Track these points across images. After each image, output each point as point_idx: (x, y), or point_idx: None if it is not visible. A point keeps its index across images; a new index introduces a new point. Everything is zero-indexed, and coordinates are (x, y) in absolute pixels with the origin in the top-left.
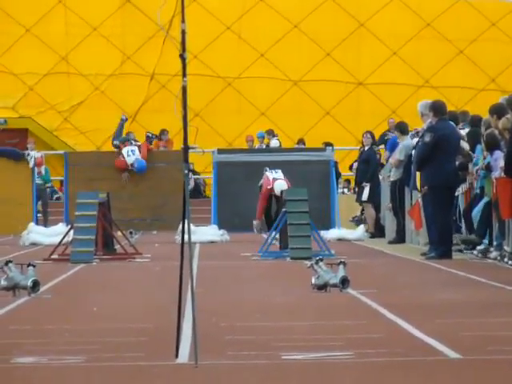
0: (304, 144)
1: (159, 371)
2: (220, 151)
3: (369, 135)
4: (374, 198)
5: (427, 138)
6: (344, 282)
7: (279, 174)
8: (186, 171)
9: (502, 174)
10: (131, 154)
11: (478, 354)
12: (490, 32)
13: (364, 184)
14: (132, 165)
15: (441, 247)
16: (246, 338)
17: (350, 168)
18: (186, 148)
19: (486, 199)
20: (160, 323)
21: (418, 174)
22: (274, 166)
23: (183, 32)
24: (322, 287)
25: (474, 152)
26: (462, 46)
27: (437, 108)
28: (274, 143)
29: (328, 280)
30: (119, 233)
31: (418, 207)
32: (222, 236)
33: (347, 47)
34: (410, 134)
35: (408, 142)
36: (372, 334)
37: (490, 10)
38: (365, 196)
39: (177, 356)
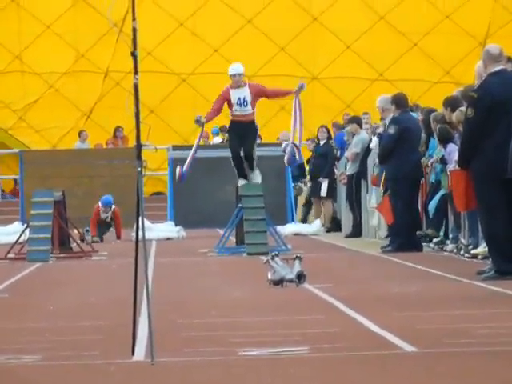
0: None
1: (115, 369)
2: (175, 148)
3: (324, 129)
4: (333, 194)
5: (392, 131)
6: (300, 276)
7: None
8: (139, 168)
9: (457, 167)
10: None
11: (435, 347)
12: (444, 25)
13: (321, 179)
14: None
15: (406, 240)
16: (203, 335)
17: (308, 162)
18: (139, 146)
19: (442, 192)
20: (117, 321)
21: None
22: (229, 162)
23: (134, 30)
24: (278, 282)
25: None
26: (416, 39)
27: (399, 101)
28: (216, 140)
29: (284, 275)
30: (75, 231)
31: (387, 202)
32: (178, 232)
33: (301, 42)
34: (371, 127)
35: (364, 135)
36: (328, 328)
37: (443, 3)
38: (323, 192)
39: (133, 354)
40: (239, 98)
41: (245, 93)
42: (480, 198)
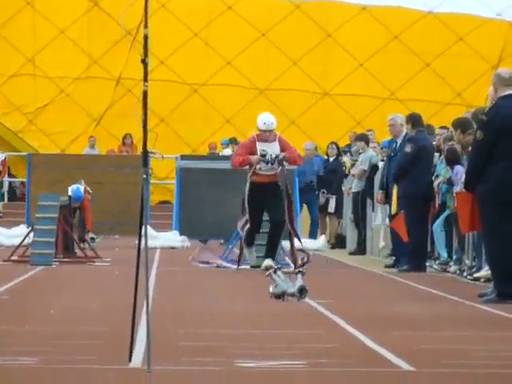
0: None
1: (111, 375)
2: (183, 157)
3: (334, 146)
4: (340, 210)
5: (408, 149)
6: (301, 291)
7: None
8: (145, 176)
9: (463, 189)
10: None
11: (432, 367)
12: (457, 46)
13: (329, 196)
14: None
15: (415, 259)
16: (201, 345)
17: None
18: (146, 153)
19: (447, 212)
20: (115, 327)
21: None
22: (236, 174)
23: (145, 37)
24: (280, 296)
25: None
26: (429, 60)
27: (415, 120)
28: (226, 152)
29: (286, 289)
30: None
31: (402, 219)
32: (182, 242)
33: (314, 57)
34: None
35: (370, 152)
36: (327, 343)
37: (457, 25)
38: (331, 208)
39: (130, 360)
40: None
41: (273, 148)
42: (484, 220)
